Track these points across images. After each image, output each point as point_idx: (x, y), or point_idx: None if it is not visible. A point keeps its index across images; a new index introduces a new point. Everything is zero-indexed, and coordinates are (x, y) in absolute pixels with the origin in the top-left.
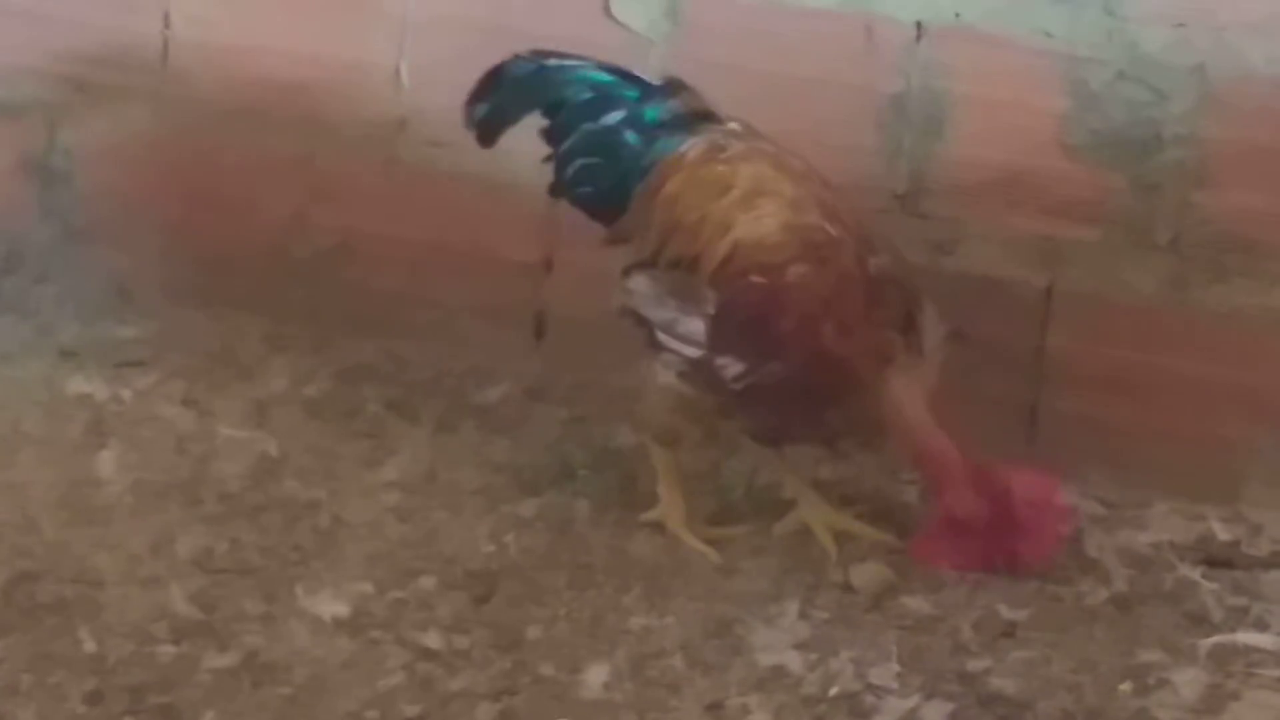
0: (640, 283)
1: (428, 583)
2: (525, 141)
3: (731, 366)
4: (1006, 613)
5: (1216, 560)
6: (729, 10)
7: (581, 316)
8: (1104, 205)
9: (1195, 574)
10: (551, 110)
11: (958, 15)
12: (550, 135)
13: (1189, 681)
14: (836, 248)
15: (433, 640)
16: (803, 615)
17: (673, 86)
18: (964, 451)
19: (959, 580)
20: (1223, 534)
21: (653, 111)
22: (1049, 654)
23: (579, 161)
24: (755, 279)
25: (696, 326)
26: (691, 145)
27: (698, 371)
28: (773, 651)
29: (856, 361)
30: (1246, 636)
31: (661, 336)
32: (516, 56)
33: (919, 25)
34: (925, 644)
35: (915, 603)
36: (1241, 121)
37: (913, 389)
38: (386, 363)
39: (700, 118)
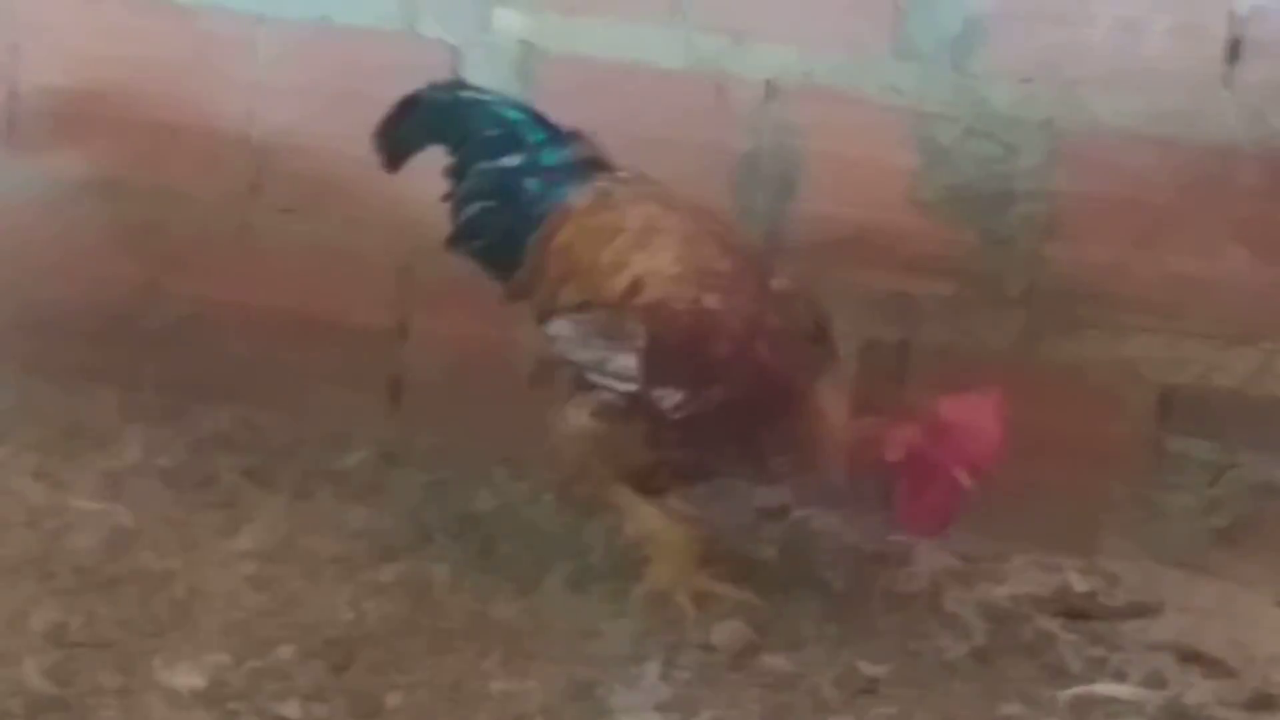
0: (562, 327)
1: (286, 652)
2: (377, 209)
3: (669, 397)
4: (867, 669)
5: (1074, 612)
6: (580, 71)
7: (437, 380)
8: (956, 260)
9: (1054, 626)
10: (455, 144)
11: (808, 74)
12: (452, 172)
13: None
14: (737, 276)
15: (291, 710)
16: (663, 676)
17: (572, 135)
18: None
19: (819, 638)
20: (1080, 585)
21: (550, 156)
22: (910, 710)
23: (476, 205)
24: (680, 307)
25: (628, 362)
26: (580, 194)
27: (632, 407)
28: (634, 713)
29: (794, 375)
30: (1105, 687)
31: (592, 376)
32: (432, 84)
33: (769, 84)
34: (787, 702)
35: (776, 661)
36: (1090, 175)
37: (837, 395)
38: (241, 431)
39: (594, 166)
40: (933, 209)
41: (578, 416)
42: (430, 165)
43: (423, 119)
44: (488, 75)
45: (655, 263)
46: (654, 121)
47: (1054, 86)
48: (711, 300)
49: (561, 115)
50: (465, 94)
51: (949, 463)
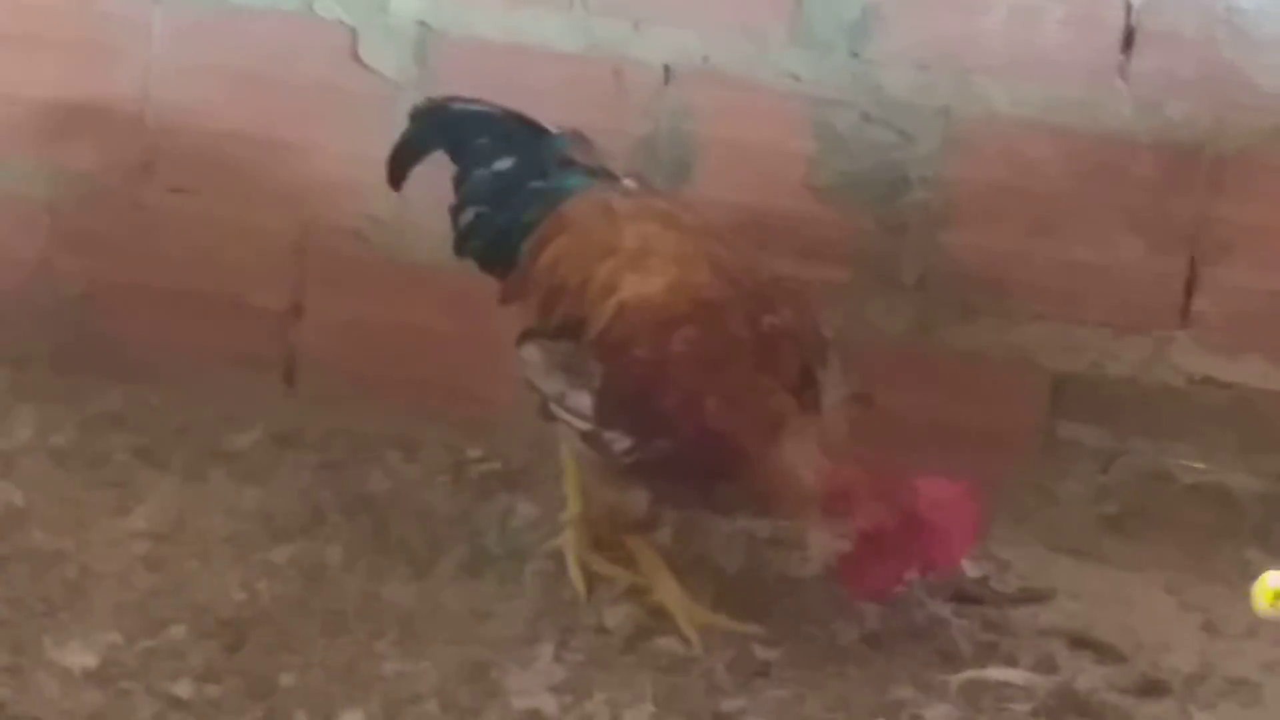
0: (531, 353)
1: (178, 631)
2: (272, 189)
3: (619, 441)
4: (760, 652)
5: (966, 597)
6: (478, 54)
7: (331, 363)
8: (851, 246)
9: (945, 611)
10: (453, 153)
11: (706, 59)
12: (455, 182)
13: (941, 717)
14: (726, 308)
15: (184, 690)
16: (557, 658)
17: (571, 139)
18: (866, 469)
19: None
20: (971, 571)
21: (546, 163)
22: (803, 693)
23: (471, 210)
24: (638, 353)
25: (585, 401)
26: (577, 203)
27: (588, 445)
28: (528, 695)
29: (742, 436)
30: (996, 672)
31: (553, 408)
32: (429, 99)
33: (667, 69)
34: (680, 685)
35: (669, 643)
36: (985, 162)
37: (806, 451)
38: (134, 410)
39: (593, 173)
40: (828, 195)
41: (570, 441)
42: (325, 145)
43: (416, 131)
44: (385, 56)
45: (643, 289)
46: (551, 104)
47: (950, 74)
48: (682, 341)
49: None
50: (456, 105)
51: (909, 556)
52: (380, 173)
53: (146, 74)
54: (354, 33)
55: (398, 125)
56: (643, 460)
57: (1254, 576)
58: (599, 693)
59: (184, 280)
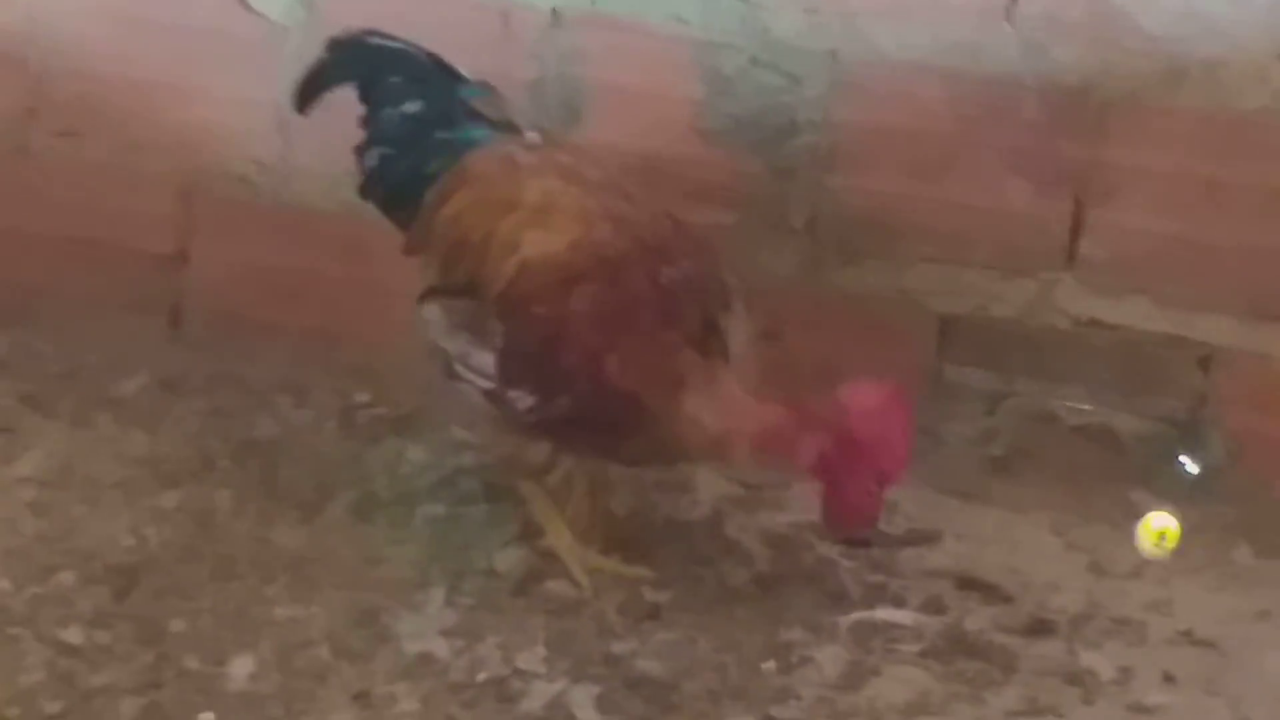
0: (433, 312)
1: (67, 578)
2: (158, 133)
3: (523, 400)
4: (650, 595)
5: (854, 540)
6: None
7: (218, 308)
8: (740, 190)
9: (834, 553)
10: (364, 88)
11: (593, 2)
12: (363, 120)
13: (830, 658)
14: (627, 264)
15: (74, 636)
16: (449, 602)
17: (482, 89)
18: (790, 404)
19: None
20: None
21: (455, 107)
22: (693, 635)
23: (377, 151)
24: (537, 310)
25: (487, 360)
26: (480, 156)
27: (492, 403)
28: (419, 639)
29: (643, 393)
30: (885, 613)
31: (458, 368)
32: (347, 29)
33: (555, 12)
34: (571, 628)
35: (560, 587)
36: (873, 106)
37: (715, 400)
38: (19, 356)
39: (499, 126)
40: (716, 138)
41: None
42: (211, 90)
43: (329, 61)
44: (273, 1)
45: (544, 246)
46: (438, 48)
47: (837, 17)
48: (582, 297)
49: None
50: (373, 39)
51: (862, 475)
52: (266, 117)
53: (30, 17)
54: None
55: (285, 69)
56: (546, 418)
57: (1139, 517)
58: (490, 636)
59: (69, 226)
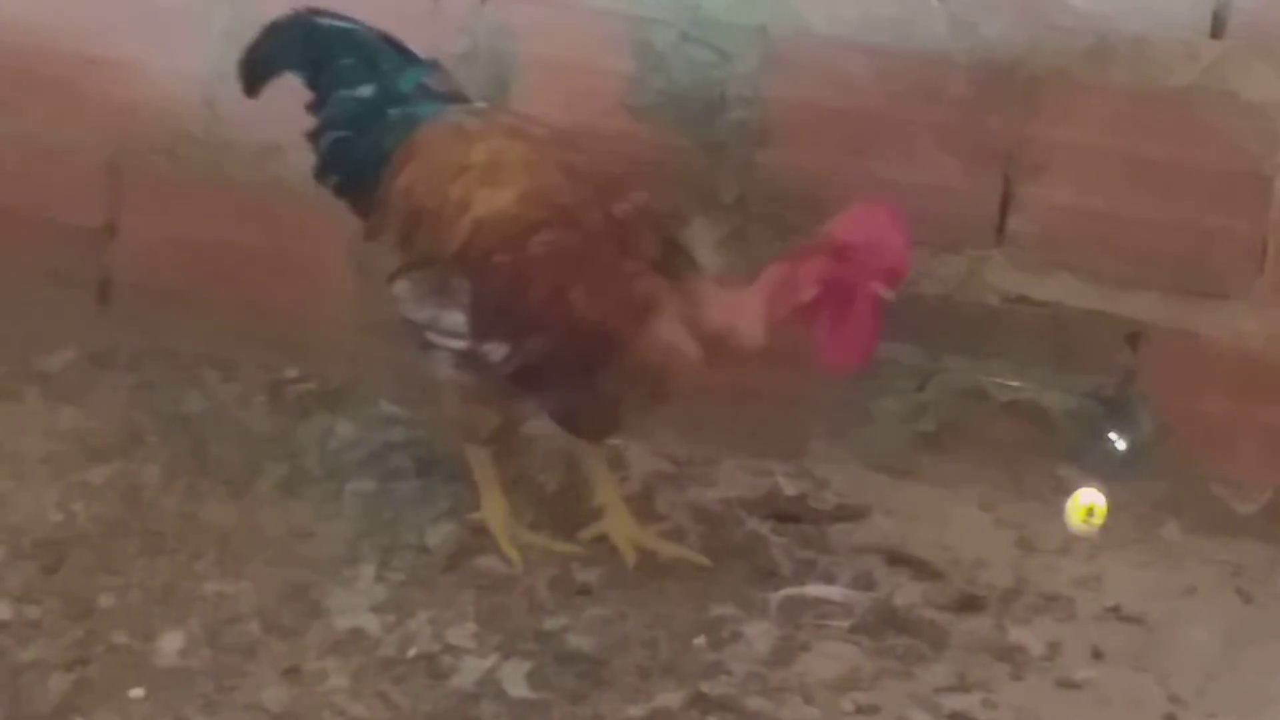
0: (402, 288)
1: None
2: (85, 106)
3: (496, 351)
4: (581, 572)
5: (784, 515)
6: None
7: (146, 282)
8: (670, 165)
9: (764, 529)
10: (313, 72)
11: None
12: (314, 104)
13: (761, 634)
14: (579, 205)
15: (2, 611)
16: (379, 578)
17: (432, 67)
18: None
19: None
20: (789, 489)
21: (406, 84)
22: (624, 611)
23: (330, 135)
24: (499, 258)
25: (457, 318)
26: (429, 129)
27: (469, 363)
28: (350, 614)
29: (612, 321)
30: (815, 589)
31: (430, 336)
32: (293, 10)
33: None
34: (502, 604)
35: (490, 563)
36: (802, 81)
37: (697, 311)
38: None
39: (448, 99)
40: (647, 114)
41: (443, 371)
42: (138, 62)
43: (281, 43)
44: None
45: (496, 202)
46: (368, 19)
47: None
48: (540, 244)
49: (270, 12)
50: (323, 20)
51: (866, 281)
52: (194, 90)
53: None
54: None
55: (213, 42)
56: (523, 366)
57: (1067, 493)
58: (421, 611)
59: None
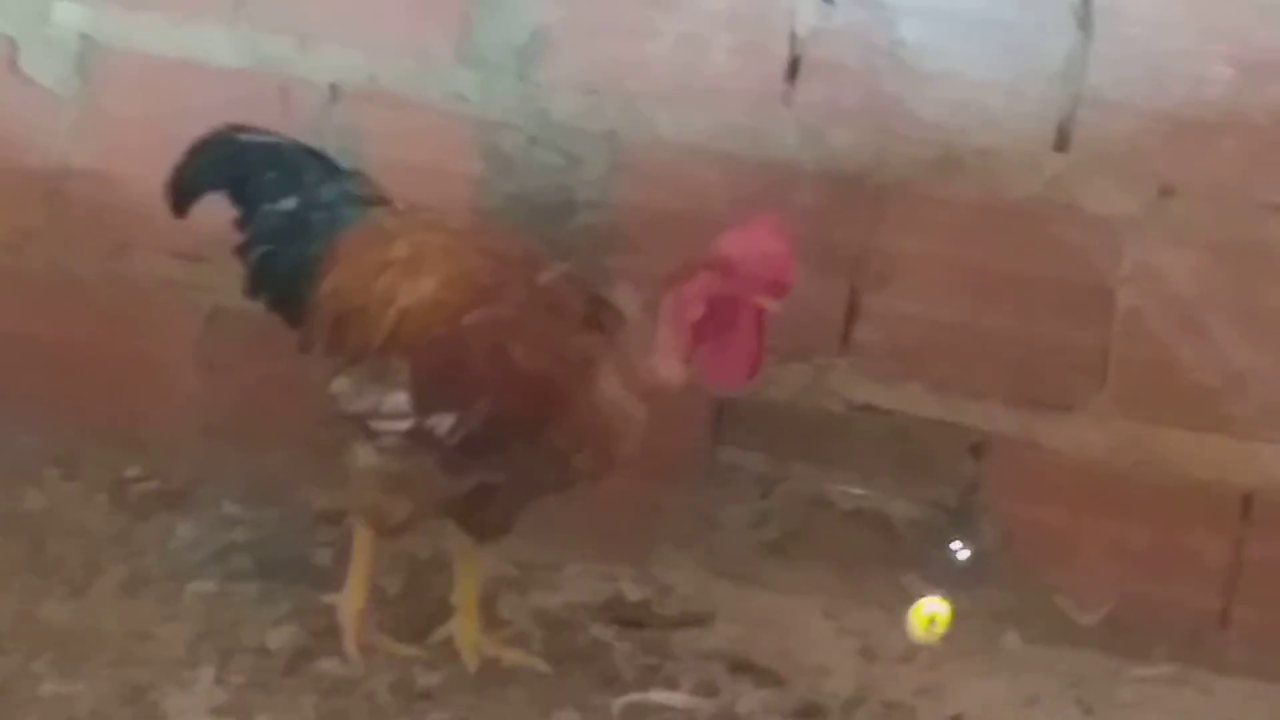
0: (340, 384)
1: None
2: None
3: (442, 423)
4: (422, 676)
5: (628, 620)
6: (141, 67)
7: None
8: None
9: (608, 634)
10: (238, 188)
11: (372, 77)
12: (241, 221)
13: None
14: (502, 284)
15: None
16: (219, 680)
17: (351, 174)
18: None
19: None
20: (633, 594)
21: (328, 194)
22: (466, 716)
23: (258, 249)
24: (435, 331)
25: (399, 399)
26: (351, 233)
27: (414, 442)
28: (188, 717)
29: (554, 372)
30: (658, 695)
31: (373, 424)
32: (216, 128)
33: (333, 87)
34: (343, 707)
35: (331, 665)
36: (652, 187)
37: (626, 369)
38: None
39: (370, 202)
40: (495, 217)
41: (366, 455)
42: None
43: (204, 161)
44: (45, 68)
45: (419, 291)
46: (216, 120)
47: (617, 99)
48: (472, 316)
49: (122, 112)
50: (245, 136)
51: (750, 295)
52: (36, 186)
53: None
54: (13, 43)
55: (57, 137)
56: (470, 433)
57: (910, 602)
58: (260, 715)
59: None
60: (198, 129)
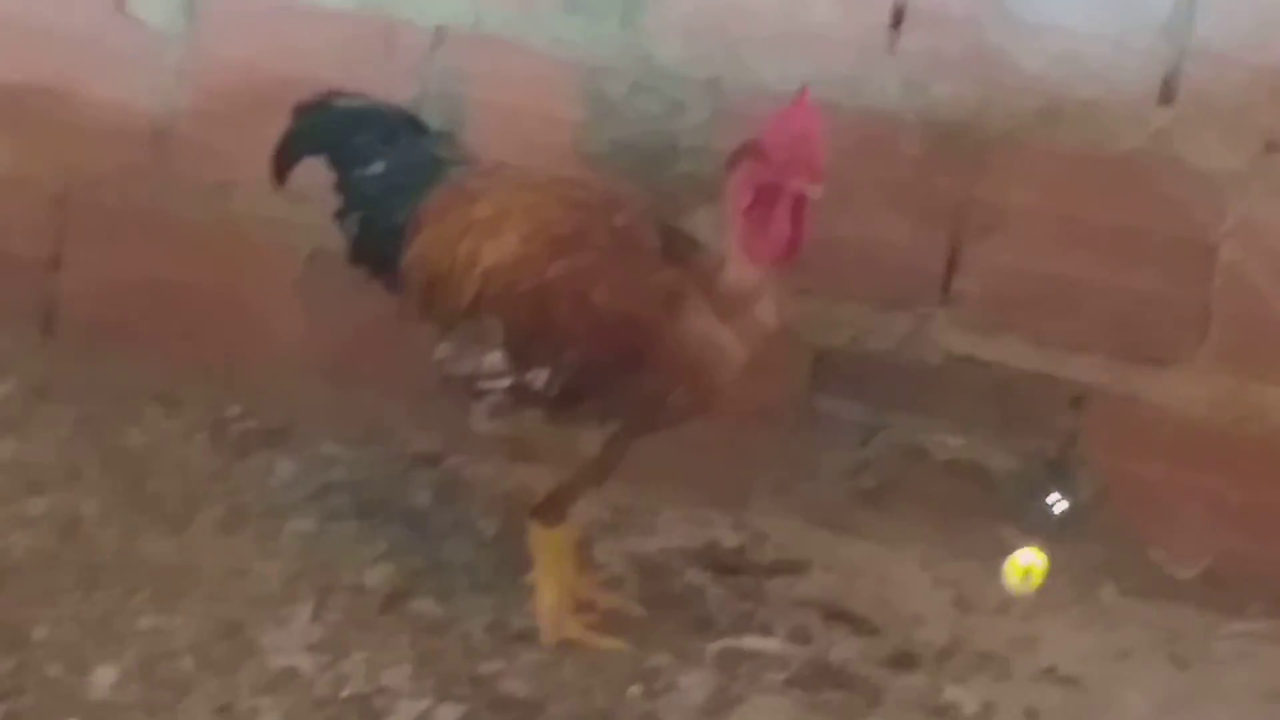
0: (443, 349)
1: None
2: (35, 136)
3: (539, 376)
4: (518, 618)
5: (723, 566)
6: (247, 8)
7: (90, 315)
8: None
9: (702, 579)
10: (333, 154)
11: (477, 21)
12: (338, 186)
13: (696, 685)
14: (582, 231)
15: None
16: (315, 617)
17: (442, 137)
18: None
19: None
20: (729, 540)
21: (417, 158)
22: (560, 657)
23: (355, 215)
24: (521, 288)
25: (496, 358)
26: (435, 197)
27: (517, 399)
28: (284, 653)
29: (639, 311)
30: (752, 641)
31: (478, 385)
32: (317, 95)
33: (438, 30)
34: (437, 647)
35: (427, 605)
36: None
37: (712, 297)
38: None
39: (456, 164)
40: (597, 163)
41: (480, 419)
42: (90, 96)
43: (298, 129)
44: (153, 9)
45: (502, 250)
46: (319, 62)
47: (721, 45)
48: (555, 268)
49: (227, 53)
50: (338, 101)
51: (786, 179)
52: (143, 124)
53: None
54: None
55: (164, 77)
56: (567, 384)
57: (1006, 553)
58: (356, 652)
59: None
60: (302, 70)
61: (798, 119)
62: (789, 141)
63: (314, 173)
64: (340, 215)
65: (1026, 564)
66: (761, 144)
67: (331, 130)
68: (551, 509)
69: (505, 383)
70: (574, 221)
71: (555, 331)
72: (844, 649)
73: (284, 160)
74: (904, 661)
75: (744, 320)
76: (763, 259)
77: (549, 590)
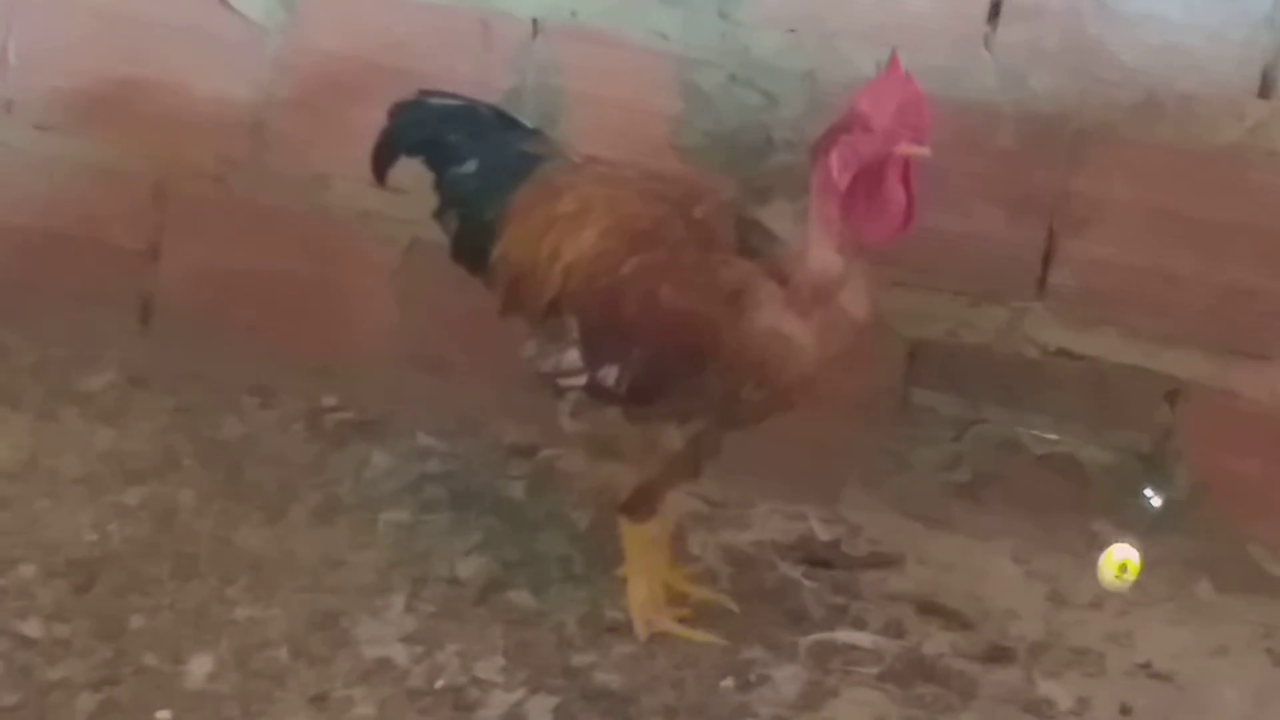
0: (529, 347)
1: (27, 571)
2: (134, 129)
3: (610, 374)
4: (610, 610)
5: (817, 560)
6: (346, 1)
7: (188, 305)
8: None
9: (796, 573)
10: (428, 150)
11: (574, 14)
12: (436, 185)
13: (789, 678)
14: (660, 225)
15: (32, 629)
16: (409, 608)
17: (533, 133)
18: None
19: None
20: (823, 534)
21: (508, 156)
22: (653, 649)
23: (453, 213)
24: (596, 285)
25: (573, 355)
26: (523, 192)
27: (593, 397)
28: (378, 644)
29: (702, 308)
30: (845, 635)
31: (559, 382)
32: (412, 94)
33: (535, 22)
34: (531, 638)
35: (521, 597)
36: None
37: (789, 289)
38: None
39: (546, 160)
40: (693, 155)
41: (564, 419)
42: (189, 87)
43: (395, 129)
44: (253, 2)
45: (581, 245)
46: (417, 54)
47: (817, 37)
48: (629, 264)
49: (326, 45)
50: (431, 100)
51: (893, 146)
52: (242, 116)
53: (9, 11)
54: None
55: (263, 68)
56: (635, 381)
57: (1101, 548)
58: (450, 644)
59: (42, 219)
60: (400, 62)
61: (894, 85)
62: (891, 108)
63: (411, 167)
64: (438, 214)
65: (1121, 559)
66: (862, 115)
67: (425, 130)
68: (639, 505)
69: (582, 381)
70: (652, 216)
71: (624, 328)
72: (937, 643)
73: (381, 160)
74: (998, 656)
75: (827, 312)
76: (882, 235)
77: (639, 585)
